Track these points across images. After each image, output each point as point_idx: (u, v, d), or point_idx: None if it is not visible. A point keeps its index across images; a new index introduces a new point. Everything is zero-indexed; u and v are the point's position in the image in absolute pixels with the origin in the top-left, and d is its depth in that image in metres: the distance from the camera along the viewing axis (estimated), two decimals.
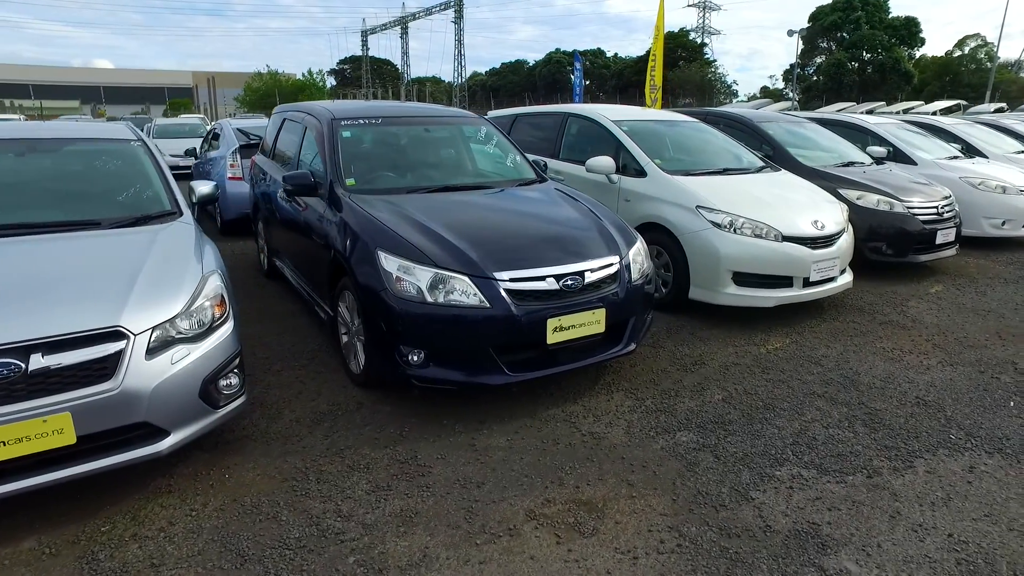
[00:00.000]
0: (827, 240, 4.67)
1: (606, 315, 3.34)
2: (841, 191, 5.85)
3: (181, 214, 3.39)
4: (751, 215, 4.54)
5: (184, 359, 2.52)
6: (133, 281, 2.58)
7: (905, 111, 28.68)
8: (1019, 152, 9.15)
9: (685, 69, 52.90)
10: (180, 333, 2.57)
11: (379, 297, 3.16)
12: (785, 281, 4.55)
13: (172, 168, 11.86)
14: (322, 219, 3.89)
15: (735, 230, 4.50)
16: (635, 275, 3.56)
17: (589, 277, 3.34)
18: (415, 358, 3.14)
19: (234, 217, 7.49)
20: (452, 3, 60.26)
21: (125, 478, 2.67)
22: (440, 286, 3.09)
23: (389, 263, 3.17)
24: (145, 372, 2.40)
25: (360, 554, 2.28)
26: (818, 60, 50.37)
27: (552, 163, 5.98)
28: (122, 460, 2.41)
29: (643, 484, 2.71)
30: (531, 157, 4.95)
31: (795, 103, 35.29)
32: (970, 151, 8.77)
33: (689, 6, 63.47)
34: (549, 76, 66.21)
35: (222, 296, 2.80)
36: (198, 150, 9.68)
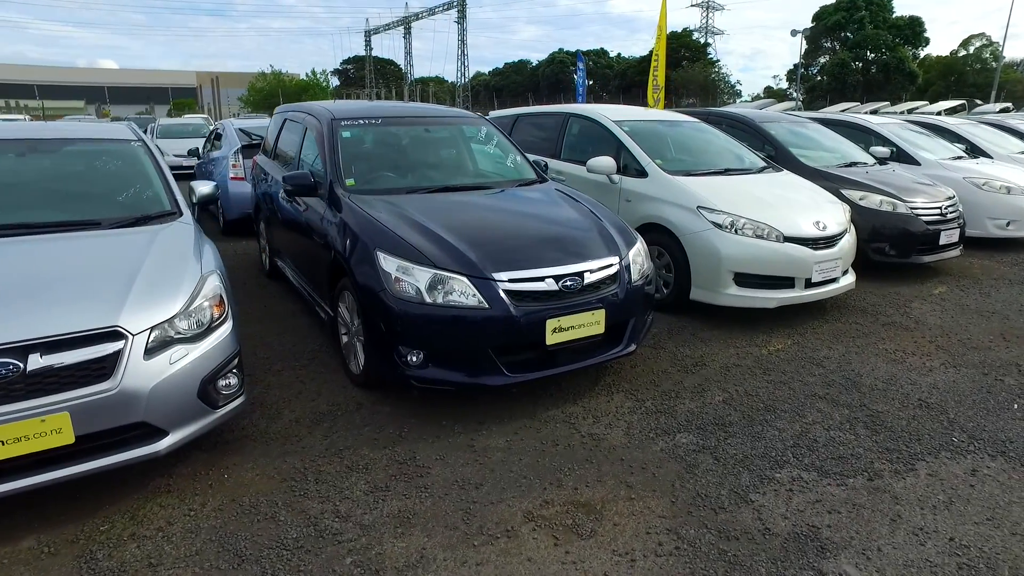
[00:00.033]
0: (829, 241, 4.65)
1: (606, 316, 3.33)
2: (844, 191, 5.83)
3: (181, 214, 3.39)
4: (752, 216, 4.52)
5: (182, 359, 2.52)
6: (132, 281, 2.58)
7: (909, 111, 28.60)
8: None
9: (688, 69, 52.85)
10: (179, 333, 2.57)
11: (378, 297, 3.15)
12: (787, 282, 4.53)
13: (175, 168, 11.89)
14: (322, 219, 3.89)
15: (736, 231, 4.48)
16: (635, 276, 3.55)
17: (589, 278, 3.33)
18: (414, 359, 3.13)
19: (236, 217, 7.50)
20: (455, 3, 60.31)
21: (124, 478, 2.67)
22: (439, 287, 3.08)
23: (388, 263, 3.17)
24: (143, 372, 2.40)
25: (357, 555, 2.28)
26: (822, 60, 50.27)
27: (553, 163, 5.98)
28: (120, 460, 2.41)
29: (642, 486, 2.70)
30: (532, 157, 4.94)
31: (799, 103, 35.20)
32: (974, 151, 8.73)
33: (692, 6, 63.44)
34: (552, 76, 66.20)
35: (221, 296, 2.80)
36: (201, 150, 9.69)
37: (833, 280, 4.74)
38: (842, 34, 47.98)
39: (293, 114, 5.24)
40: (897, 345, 4.33)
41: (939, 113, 26.85)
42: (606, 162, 5.24)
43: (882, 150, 7.36)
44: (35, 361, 2.24)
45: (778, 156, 6.31)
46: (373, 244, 3.28)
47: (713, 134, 6.05)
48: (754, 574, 2.20)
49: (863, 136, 7.95)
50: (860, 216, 5.67)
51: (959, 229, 6.18)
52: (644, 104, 15.88)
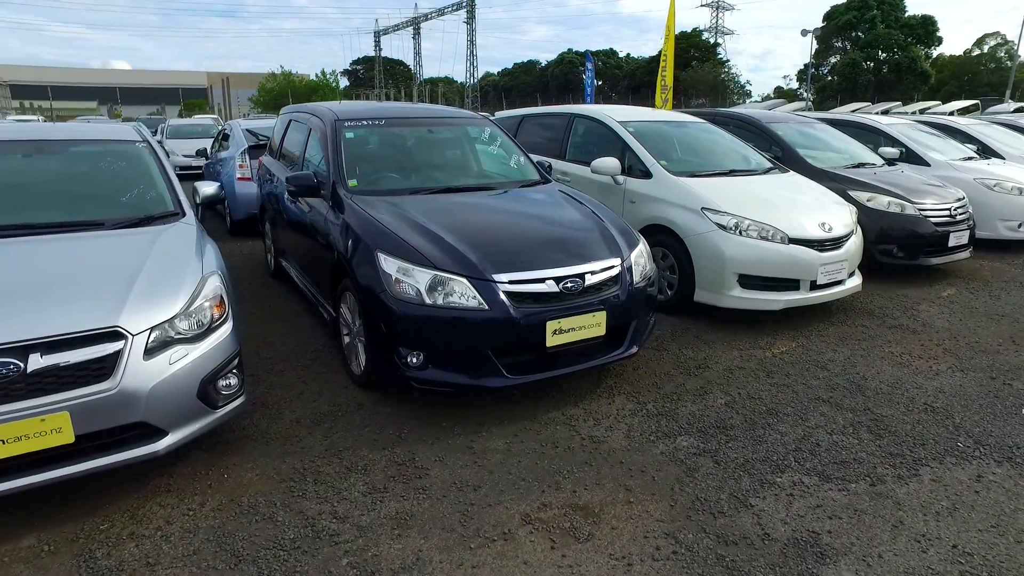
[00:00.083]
0: (835, 242, 4.61)
1: (607, 318, 3.32)
2: (851, 193, 5.78)
3: (184, 215, 3.41)
4: (757, 217, 4.49)
5: (182, 359, 2.53)
6: (132, 282, 2.60)
7: (921, 111, 28.32)
8: None
9: (698, 69, 52.60)
10: (179, 333, 2.58)
11: (378, 298, 3.15)
12: (791, 284, 4.49)
13: (184, 168, 12.00)
14: (325, 220, 3.90)
15: (740, 232, 4.45)
16: (637, 278, 3.53)
17: (589, 279, 3.31)
18: (414, 360, 3.13)
19: (243, 217, 7.54)
20: (464, 3, 60.38)
21: (125, 477, 2.68)
22: (439, 288, 3.08)
23: (388, 265, 3.17)
24: (143, 372, 2.41)
25: (353, 556, 2.28)
26: (832, 60, 49.89)
27: (558, 164, 5.97)
28: (120, 459, 2.43)
29: (641, 489, 2.69)
30: (536, 158, 4.93)
31: (809, 103, 34.95)
32: (986, 152, 8.63)
33: (702, 6, 63.15)
34: (561, 76, 66.12)
35: (221, 297, 2.81)
36: (209, 150, 9.75)
37: (839, 282, 4.69)
38: (853, 34, 47.59)
39: (298, 115, 5.26)
40: (903, 348, 4.29)
41: (951, 113, 26.56)
42: (610, 163, 5.22)
43: (891, 151, 7.29)
44: (35, 361, 2.26)
45: (785, 157, 6.27)
46: (374, 245, 3.29)
47: (719, 135, 6.02)
48: None
49: (872, 137, 7.88)
50: (867, 217, 5.62)
51: (969, 231, 6.11)
52: (653, 104, 15.83)
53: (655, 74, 15.67)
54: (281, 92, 49.19)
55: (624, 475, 2.79)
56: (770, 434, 3.14)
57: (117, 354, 2.38)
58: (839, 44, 49.44)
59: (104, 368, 2.36)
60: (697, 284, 4.63)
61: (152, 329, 2.48)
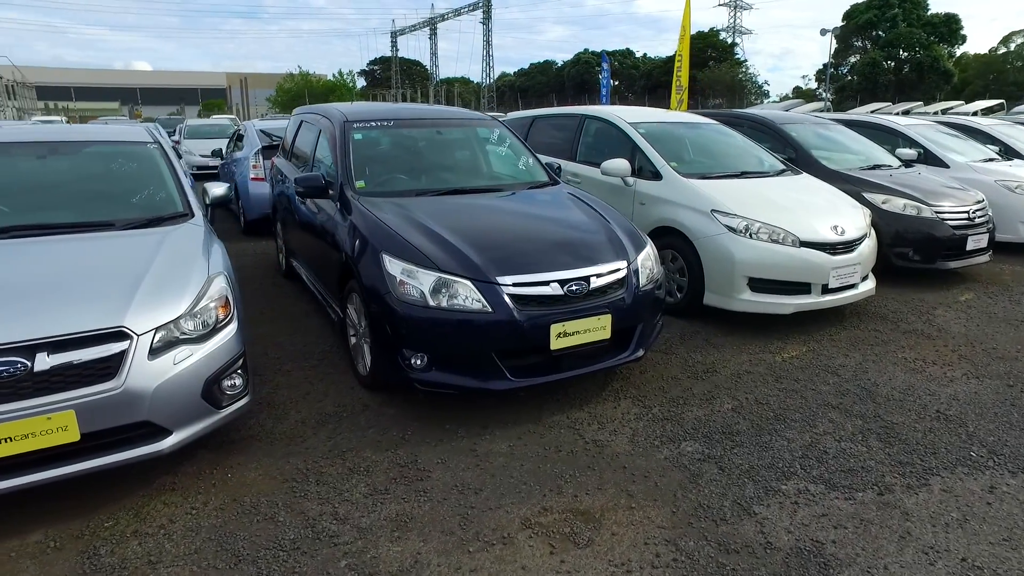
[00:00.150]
0: (847, 246, 4.54)
1: (612, 321, 3.29)
2: (866, 195, 5.69)
3: (192, 215, 3.45)
4: (768, 219, 4.44)
5: (186, 360, 2.55)
6: (139, 282, 2.63)
7: (943, 111, 27.83)
8: None
9: (715, 69, 52.18)
10: (184, 334, 2.60)
11: (383, 300, 3.16)
12: (803, 287, 4.43)
13: (201, 168, 12.12)
14: (332, 221, 3.92)
15: (751, 235, 4.40)
16: (643, 280, 3.50)
17: (595, 282, 3.29)
18: (418, 362, 3.13)
19: (256, 217, 7.61)
20: (480, 4, 60.47)
21: (130, 474, 2.71)
22: (443, 290, 3.08)
23: (393, 266, 3.17)
24: (147, 372, 2.44)
25: (352, 558, 2.28)
26: (852, 59, 49.22)
27: (569, 165, 5.95)
28: (124, 458, 2.45)
29: (643, 495, 2.66)
30: (545, 159, 4.92)
31: (828, 104, 34.50)
32: (1009, 153, 8.45)
33: (720, 5, 62.65)
34: (577, 76, 65.94)
35: (227, 298, 2.83)
36: (224, 151, 9.86)
37: (852, 286, 4.62)
38: (873, 32, 46.90)
39: (309, 116, 5.30)
40: (917, 354, 4.21)
41: (975, 113, 26.08)
42: (620, 164, 5.19)
43: (908, 152, 7.17)
44: (42, 360, 2.29)
45: (799, 158, 6.19)
46: (379, 247, 3.30)
47: (731, 136, 5.96)
48: None
49: (890, 138, 7.76)
50: (882, 220, 5.53)
51: (988, 234, 5.99)
52: (669, 105, 15.73)
53: (672, 74, 15.56)
54: (299, 92, 49.66)
55: (626, 480, 2.77)
56: (777, 440, 3.10)
57: (122, 354, 2.41)
58: (859, 43, 48.76)
59: (109, 368, 2.39)
60: (706, 287, 4.58)
61: (157, 329, 2.51)
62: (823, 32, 32.70)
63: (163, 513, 2.52)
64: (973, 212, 5.88)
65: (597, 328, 3.26)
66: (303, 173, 4.50)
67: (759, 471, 2.83)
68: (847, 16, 48.30)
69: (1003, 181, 7.03)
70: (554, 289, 3.18)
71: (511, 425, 3.23)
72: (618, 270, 3.41)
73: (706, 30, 57.99)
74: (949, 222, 5.70)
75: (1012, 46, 47.22)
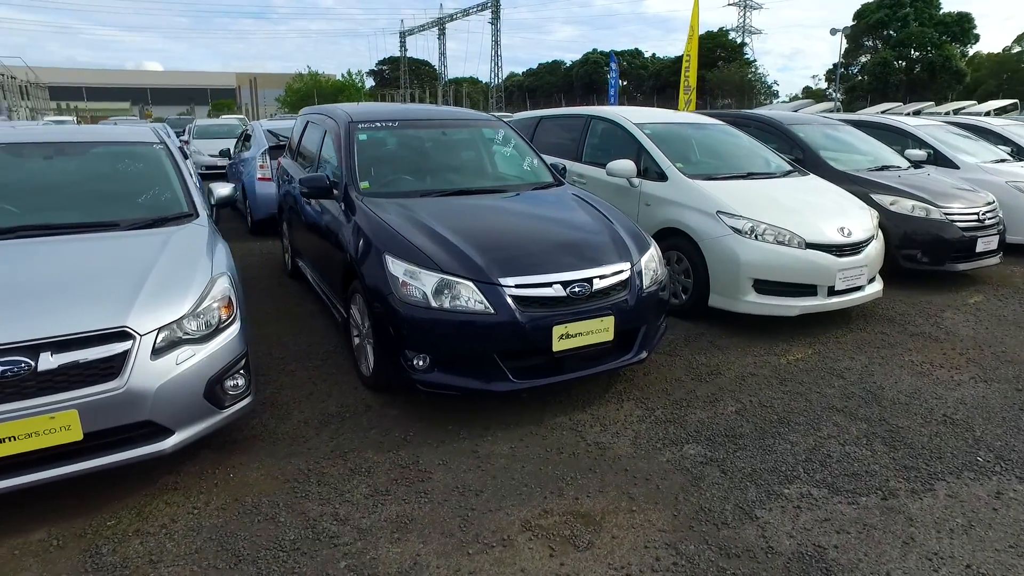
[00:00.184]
0: (854, 247, 4.51)
1: (615, 323, 3.28)
2: (874, 196, 5.64)
3: (197, 216, 3.46)
4: (773, 221, 4.41)
5: (189, 360, 2.56)
6: (142, 282, 2.64)
7: (955, 111, 27.57)
8: None
9: (724, 69, 51.93)
10: (187, 334, 2.61)
11: (386, 301, 3.16)
12: (809, 289, 4.40)
13: (210, 168, 12.21)
14: (337, 222, 3.93)
15: (756, 236, 4.37)
16: (647, 282, 3.49)
17: (598, 284, 3.28)
18: (420, 363, 3.13)
19: (263, 217, 7.65)
20: (489, 4, 60.49)
21: (134, 473, 2.73)
22: (445, 291, 3.08)
23: (396, 267, 3.18)
24: (150, 372, 2.45)
25: (352, 559, 2.28)
26: (863, 59, 48.86)
27: (575, 166, 5.94)
28: (127, 457, 2.47)
29: (644, 498, 2.65)
30: (551, 160, 4.91)
31: (838, 104, 34.25)
32: (1021, 154, 8.36)
33: (729, 5, 62.35)
34: (586, 76, 65.85)
35: (230, 298, 2.84)
36: (232, 151, 9.91)
37: (858, 288, 4.58)
38: (885, 32, 46.54)
39: (315, 116, 5.32)
40: (924, 357, 4.17)
41: (987, 113, 25.84)
42: (626, 165, 5.17)
43: (918, 153, 7.11)
44: (46, 360, 2.31)
45: (806, 159, 6.14)
46: (382, 247, 3.30)
47: (737, 137, 5.93)
48: None
49: (899, 139, 7.69)
50: (890, 222, 5.48)
51: (999, 236, 5.92)
52: (677, 105, 15.67)
53: (680, 74, 15.50)
54: (308, 92, 49.82)
55: (628, 483, 2.76)
56: (780, 444, 3.08)
57: (125, 354, 2.42)
58: (870, 43, 48.40)
59: (112, 367, 2.40)
60: (712, 289, 4.56)
61: (160, 330, 2.52)
62: (833, 32, 32.47)
63: (165, 512, 2.53)
64: (983, 214, 5.82)
65: (600, 330, 3.25)
66: (308, 173, 4.51)
67: (762, 474, 2.81)
68: (858, 15, 47.96)
69: (1014, 182, 6.95)
70: (557, 291, 3.17)
71: (513, 426, 3.22)
72: (621, 272, 3.40)
73: (715, 30, 57.75)
74: (958, 224, 5.64)
75: None
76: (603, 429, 3.22)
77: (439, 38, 68.87)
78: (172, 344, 2.55)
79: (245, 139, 9.21)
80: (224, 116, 29.07)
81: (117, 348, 2.41)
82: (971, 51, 47.64)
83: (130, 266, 2.77)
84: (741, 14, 62.00)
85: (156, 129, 4.27)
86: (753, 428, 3.23)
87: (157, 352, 2.49)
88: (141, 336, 2.46)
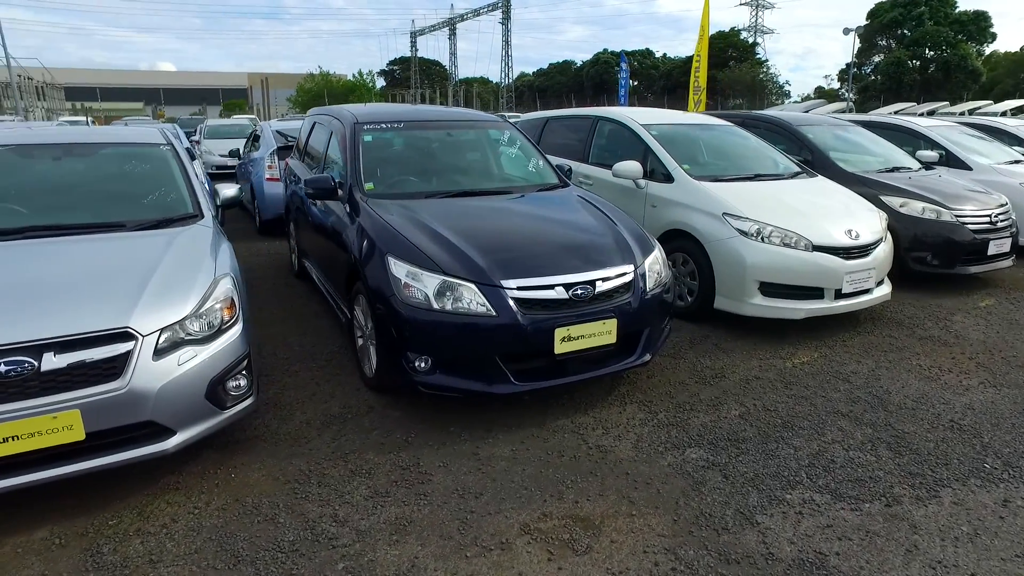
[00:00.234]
0: (862, 250, 4.46)
1: (618, 325, 3.27)
2: (883, 198, 5.58)
3: (202, 217, 3.48)
4: (780, 223, 4.37)
5: (191, 360, 2.58)
6: (146, 283, 2.66)
7: (970, 111, 27.25)
8: None
9: (736, 69, 51.64)
10: (189, 335, 2.63)
11: (388, 302, 3.17)
12: (815, 292, 4.36)
13: (220, 168, 12.28)
14: (341, 223, 3.94)
15: (763, 238, 4.34)
16: (651, 285, 3.47)
17: (601, 286, 3.27)
18: (422, 364, 3.14)
19: (271, 217, 7.69)
20: (500, 4, 60.51)
21: (137, 473, 2.75)
22: (447, 293, 3.08)
23: (398, 269, 3.18)
24: (152, 372, 2.47)
25: (350, 561, 2.29)
26: (876, 59, 48.41)
27: (581, 167, 5.93)
28: (129, 457, 2.48)
29: (645, 502, 2.63)
30: (557, 161, 4.90)
31: (850, 104, 33.93)
32: None
33: (741, 4, 62.04)
34: (596, 76, 65.72)
35: (232, 299, 2.85)
36: (241, 151, 9.98)
37: (866, 291, 4.54)
38: (899, 31, 46.08)
39: (321, 117, 5.34)
40: (932, 361, 4.12)
41: (1003, 113, 25.52)
42: (632, 166, 5.15)
43: (929, 154, 7.02)
44: (49, 360, 2.33)
45: (815, 161, 6.09)
46: (385, 249, 3.30)
47: (745, 138, 5.88)
48: None
49: (911, 140, 7.60)
50: (900, 224, 5.43)
51: (1012, 238, 5.84)
52: (687, 105, 15.61)
53: (691, 75, 15.43)
54: (319, 92, 50.06)
55: (628, 487, 2.74)
56: (783, 448, 3.05)
57: (127, 354, 2.44)
58: (883, 42, 47.94)
59: (115, 368, 2.42)
60: (717, 291, 4.53)
61: (162, 330, 2.54)
62: (846, 31, 32.17)
63: (166, 512, 2.55)
64: (995, 216, 5.74)
65: (602, 332, 3.24)
66: (313, 174, 4.53)
67: (764, 479, 2.79)
68: (871, 15, 47.53)
69: None
70: (559, 293, 3.16)
71: (515, 429, 3.22)
72: (624, 274, 3.38)
73: (727, 30, 57.45)
74: (970, 226, 5.57)
75: None
76: (605, 432, 3.21)
77: (450, 38, 69.06)
78: (174, 345, 2.57)
79: (254, 139, 9.27)
80: (235, 116, 29.29)
81: (120, 348, 2.43)
82: (987, 50, 47.09)
83: (134, 267, 2.79)
84: (753, 14, 61.65)
85: (163, 130, 4.30)
86: (756, 432, 3.20)
87: (159, 353, 2.51)
88: (143, 337, 2.48)
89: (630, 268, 3.42)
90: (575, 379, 3.31)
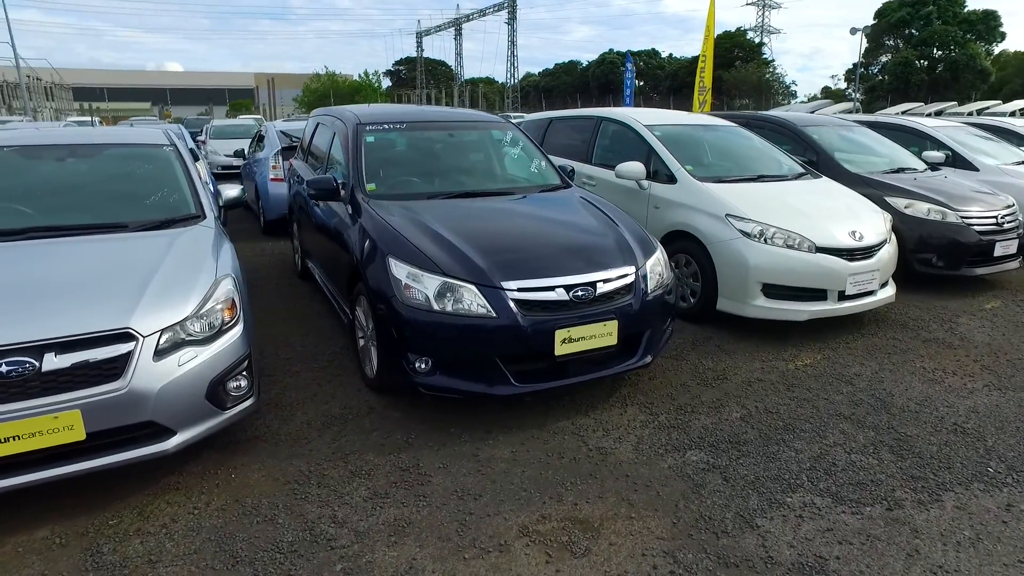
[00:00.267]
0: (866, 252, 4.43)
1: (619, 327, 3.26)
2: (888, 199, 5.55)
3: (204, 217, 3.49)
4: (783, 224, 4.35)
5: (191, 361, 2.58)
6: (147, 284, 2.67)
7: (978, 111, 27.08)
8: None
9: (742, 70, 51.48)
10: (190, 335, 2.64)
11: (389, 303, 3.17)
12: (818, 294, 4.34)
13: (226, 168, 12.31)
14: (343, 223, 3.95)
15: (765, 240, 4.32)
16: (652, 286, 3.46)
17: (601, 288, 3.26)
18: (422, 365, 3.14)
19: (275, 217, 7.71)
20: (506, 4, 60.53)
21: (138, 473, 2.76)
22: (447, 294, 3.08)
23: (399, 270, 3.18)
24: (152, 373, 2.48)
25: (348, 562, 2.29)
26: (884, 59, 48.15)
27: (585, 168, 5.92)
28: (129, 457, 2.50)
29: (644, 504, 2.63)
30: (559, 162, 4.89)
31: (857, 104, 33.76)
32: None
33: (748, 4, 61.87)
34: (602, 76, 65.66)
35: (233, 300, 2.86)
36: (246, 151, 10.01)
37: (870, 293, 4.51)
38: (906, 31, 45.82)
39: (325, 118, 5.35)
40: (937, 364, 4.09)
41: (1012, 114, 25.33)
42: (635, 167, 5.13)
43: (936, 155, 6.97)
44: (50, 360, 2.34)
45: (819, 162, 6.06)
46: (386, 250, 3.31)
47: (749, 139, 5.86)
48: None
49: (916, 140, 7.56)
50: (905, 225, 5.39)
51: (1018, 240, 5.80)
52: (692, 105, 15.56)
53: (696, 75, 15.39)
54: (325, 93, 50.23)
55: (628, 489, 2.74)
56: (784, 451, 3.03)
57: (128, 355, 2.45)
58: (891, 42, 47.68)
59: (115, 368, 2.43)
60: (720, 292, 4.52)
61: (163, 331, 2.54)
62: (853, 31, 32.06)
63: (166, 512, 2.56)
64: (1002, 217, 5.70)
65: (603, 334, 3.23)
66: (316, 175, 4.54)
67: (764, 482, 2.77)
68: (879, 14, 47.30)
69: None
70: (559, 295, 3.16)
71: (515, 430, 3.21)
72: (626, 276, 3.37)
73: (733, 30, 57.29)
74: (976, 227, 5.53)
75: None
76: (605, 434, 3.20)
77: (455, 38, 69.10)
78: (175, 345, 2.58)
79: (259, 140, 9.30)
80: (241, 116, 29.39)
81: (120, 349, 2.44)
82: (996, 49, 46.75)
83: (135, 268, 2.80)
84: (760, 13, 61.44)
85: (167, 131, 4.32)
86: (758, 435, 3.19)
87: (160, 353, 2.52)
88: (144, 337, 2.49)
89: (631, 269, 3.41)
90: (576, 381, 3.30)
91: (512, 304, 3.07)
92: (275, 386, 3.69)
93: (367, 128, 4.34)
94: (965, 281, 5.90)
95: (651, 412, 3.43)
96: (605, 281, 3.29)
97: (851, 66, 47.86)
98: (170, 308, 2.62)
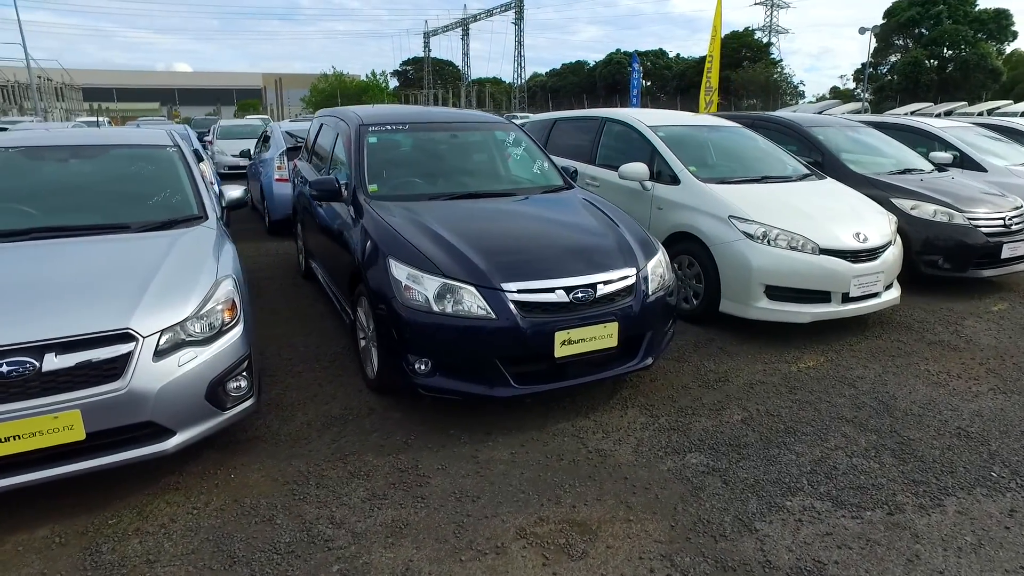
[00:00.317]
0: (870, 253, 4.40)
1: (619, 329, 3.25)
2: (894, 200, 5.51)
3: (206, 218, 3.51)
4: (786, 226, 4.33)
5: (191, 362, 2.59)
6: (147, 284, 2.68)
7: (989, 111, 26.85)
8: None
9: (749, 70, 51.24)
10: (190, 336, 2.65)
11: (389, 304, 3.17)
12: (822, 296, 4.31)
13: (232, 168, 12.33)
14: (345, 224, 3.96)
15: (769, 241, 4.29)
16: (653, 288, 3.44)
17: (602, 289, 3.25)
18: (422, 367, 3.14)
19: (280, 217, 7.74)
20: (513, 4, 60.53)
21: (138, 473, 2.78)
22: (447, 296, 3.08)
23: (399, 271, 3.18)
24: (152, 373, 2.49)
25: (345, 563, 2.29)
26: (893, 58, 47.82)
27: (588, 169, 5.91)
28: (128, 457, 2.51)
29: (642, 507, 2.62)
30: (562, 163, 4.89)
31: (866, 104, 33.54)
32: None
33: (756, 4, 61.56)
34: (609, 77, 65.50)
35: (233, 300, 2.87)
36: (252, 151, 10.05)
37: (874, 295, 4.48)
38: (916, 30, 45.49)
39: (328, 119, 5.36)
40: (941, 366, 4.05)
41: (1022, 114, 25.08)
42: (638, 168, 5.12)
43: (943, 156, 6.92)
44: (50, 360, 2.35)
45: (825, 163, 6.03)
46: (386, 251, 3.31)
47: (754, 140, 5.83)
48: None
49: (924, 141, 7.50)
50: (911, 227, 5.35)
51: None
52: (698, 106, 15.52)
53: (703, 75, 15.34)
54: (332, 93, 50.33)
55: (627, 491, 2.73)
56: (785, 454, 3.01)
57: (128, 355, 2.46)
58: (900, 42, 47.35)
59: (115, 369, 2.44)
60: (723, 294, 4.49)
61: (163, 332, 2.56)
62: (862, 31, 31.80)
63: (165, 512, 2.57)
64: (1010, 219, 5.64)
65: (603, 336, 3.22)
66: (319, 176, 4.55)
67: (764, 486, 2.76)
68: (888, 14, 46.97)
69: None
70: (559, 296, 3.15)
71: (515, 432, 3.21)
72: (626, 277, 3.36)
73: (741, 29, 57.06)
74: (983, 229, 5.48)
75: None
76: (605, 436, 3.19)
77: (463, 39, 69.26)
78: (175, 346, 2.59)
79: (264, 140, 9.33)
80: (248, 116, 29.52)
81: (120, 349, 2.45)
82: (1008, 49, 46.31)
83: (136, 268, 2.82)
84: (768, 13, 61.17)
85: (171, 132, 4.34)
86: (758, 438, 3.17)
87: (160, 354, 2.53)
88: (144, 338, 2.50)
89: (632, 271, 3.40)
90: (576, 383, 3.29)
91: (512, 305, 3.07)
92: (276, 386, 3.71)
93: (369, 129, 4.34)
94: (972, 283, 5.85)
95: (651, 414, 3.42)
96: (605, 283, 3.28)
97: (860, 66, 47.50)
98: (170, 309, 2.63)
